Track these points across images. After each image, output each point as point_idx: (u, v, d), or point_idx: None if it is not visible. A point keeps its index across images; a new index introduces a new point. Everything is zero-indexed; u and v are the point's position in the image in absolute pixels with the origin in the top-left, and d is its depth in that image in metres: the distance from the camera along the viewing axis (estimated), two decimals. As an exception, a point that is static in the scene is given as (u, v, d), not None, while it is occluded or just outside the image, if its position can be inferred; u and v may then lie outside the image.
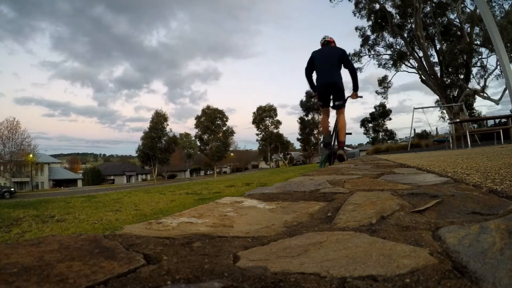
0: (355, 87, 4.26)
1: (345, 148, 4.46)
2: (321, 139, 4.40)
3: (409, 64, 22.88)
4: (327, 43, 4.39)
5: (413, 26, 20.34)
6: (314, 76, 4.26)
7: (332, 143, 4.45)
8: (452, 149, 8.85)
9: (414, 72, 22.62)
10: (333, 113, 4.52)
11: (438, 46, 21.64)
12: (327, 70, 4.03)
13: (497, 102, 18.96)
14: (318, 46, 4.56)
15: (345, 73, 4.22)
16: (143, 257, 0.55)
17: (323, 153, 4.58)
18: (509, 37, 15.57)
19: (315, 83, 4.20)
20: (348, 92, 4.37)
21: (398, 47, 23.04)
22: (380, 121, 45.60)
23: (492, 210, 0.83)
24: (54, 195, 14.82)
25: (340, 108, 4.25)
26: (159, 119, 38.05)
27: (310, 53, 4.37)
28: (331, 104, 4.26)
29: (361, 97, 4.44)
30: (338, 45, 4.49)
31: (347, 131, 4.51)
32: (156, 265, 0.51)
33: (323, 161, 4.43)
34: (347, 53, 4.29)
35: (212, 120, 44.92)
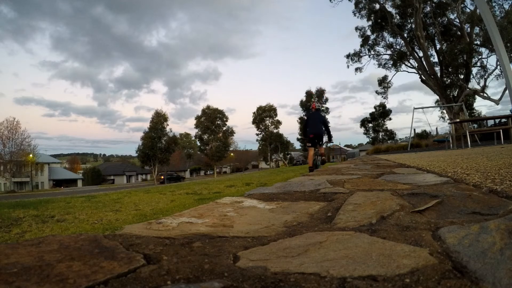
0: (329, 138, 7.03)
1: (323, 158, 6.99)
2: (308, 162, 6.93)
3: (409, 64, 22.89)
4: (315, 109, 6.92)
5: (413, 26, 20.35)
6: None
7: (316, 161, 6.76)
8: (452, 149, 8.85)
9: (414, 72, 22.64)
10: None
11: (438, 46, 21.64)
12: (316, 125, 6.58)
13: (497, 102, 18.95)
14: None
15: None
16: (143, 257, 0.55)
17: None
18: (509, 37, 15.57)
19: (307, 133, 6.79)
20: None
21: (398, 47, 23.06)
22: (380, 121, 45.56)
23: (492, 210, 0.83)
24: (54, 195, 14.83)
25: (321, 146, 6.80)
26: (159, 119, 38.00)
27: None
28: (316, 144, 6.74)
29: (332, 142, 7.76)
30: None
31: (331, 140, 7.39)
32: (156, 265, 0.51)
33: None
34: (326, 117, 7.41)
35: (212, 120, 44.89)
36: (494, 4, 18.57)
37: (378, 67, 24.06)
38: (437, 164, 2.67)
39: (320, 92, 45.01)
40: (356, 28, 23.87)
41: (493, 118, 12.28)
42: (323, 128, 6.69)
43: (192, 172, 65.17)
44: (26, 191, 35.90)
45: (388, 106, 46.06)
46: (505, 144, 7.70)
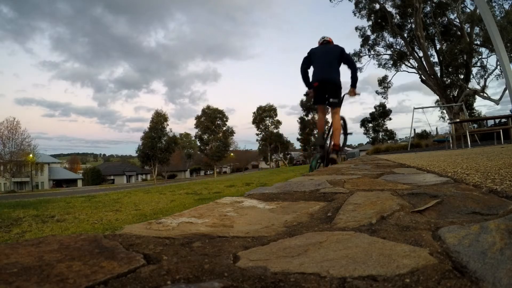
0: (353, 83, 4.16)
1: (342, 149, 4.40)
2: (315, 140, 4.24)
3: (409, 64, 22.91)
4: (326, 43, 4.32)
5: (413, 26, 20.35)
6: (310, 73, 4.23)
7: (327, 145, 4.26)
8: (452, 149, 8.85)
9: (414, 72, 22.66)
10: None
11: (438, 46, 21.66)
12: (325, 67, 4.03)
13: (497, 102, 18.97)
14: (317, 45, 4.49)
15: (344, 74, 4.20)
16: (143, 257, 0.55)
17: (314, 157, 4.34)
18: (509, 37, 15.58)
19: (311, 80, 4.16)
20: (345, 91, 4.28)
21: (398, 47, 23.08)
22: (380, 121, 45.64)
23: (492, 210, 0.83)
24: (54, 195, 14.85)
25: (335, 106, 4.09)
26: (159, 119, 38.02)
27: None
28: (327, 102, 4.13)
29: (359, 94, 4.27)
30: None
31: (348, 131, 4.58)
32: (156, 265, 0.51)
33: (314, 166, 4.07)
34: (347, 51, 4.21)
35: (212, 120, 44.92)
36: (494, 4, 18.58)
37: (378, 67, 24.10)
38: (437, 164, 2.67)
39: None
40: (356, 28, 23.90)
41: (493, 118, 12.29)
42: (338, 73, 4.01)
43: (192, 172, 65.15)
44: (26, 191, 35.89)
45: (388, 106, 46.18)
46: (505, 144, 7.70)
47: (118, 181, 56.55)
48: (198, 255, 0.57)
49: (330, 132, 4.26)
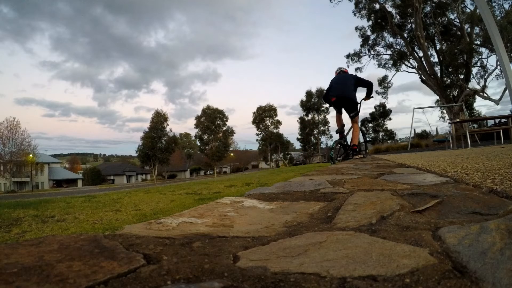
0: (368, 94, 5.30)
1: (361, 150, 5.47)
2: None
3: (409, 64, 22.88)
4: (343, 72, 5.35)
5: (413, 26, 20.34)
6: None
7: (346, 140, 5.22)
8: (452, 149, 8.85)
9: (414, 72, 22.63)
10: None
11: (438, 46, 21.65)
12: (341, 87, 4.98)
13: (497, 102, 18.95)
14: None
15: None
16: (143, 257, 0.55)
17: (334, 142, 5.17)
18: (509, 37, 15.57)
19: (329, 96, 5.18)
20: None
21: (398, 47, 23.05)
22: (380, 121, 45.64)
23: (492, 210, 0.83)
24: (54, 195, 14.84)
25: (353, 117, 5.08)
26: (159, 119, 38.01)
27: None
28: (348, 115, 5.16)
29: (372, 97, 5.37)
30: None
31: (368, 139, 5.81)
32: (156, 265, 0.51)
33: (333, 148, 4.98)
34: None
35: (212, 120, 44.87)
36: (494, 4, 18.57)
37: (378, 67, 24.08)
38: (437, 164, 2.67)
39: (320, 92, 44.97)
40: (356, 28, 23.88)
41: (493, 118, 12.29)
42: (355, 91, 4.96)
43: (192, 172, 65.13)
44: (26, 191, 35.84)
45: (388, 106, 46.16)
46: (505, 144, 7.70)
47: (118, 181, 56.48)
48: (198, 255, 0.57)
49: (349, 134, 5.25)
